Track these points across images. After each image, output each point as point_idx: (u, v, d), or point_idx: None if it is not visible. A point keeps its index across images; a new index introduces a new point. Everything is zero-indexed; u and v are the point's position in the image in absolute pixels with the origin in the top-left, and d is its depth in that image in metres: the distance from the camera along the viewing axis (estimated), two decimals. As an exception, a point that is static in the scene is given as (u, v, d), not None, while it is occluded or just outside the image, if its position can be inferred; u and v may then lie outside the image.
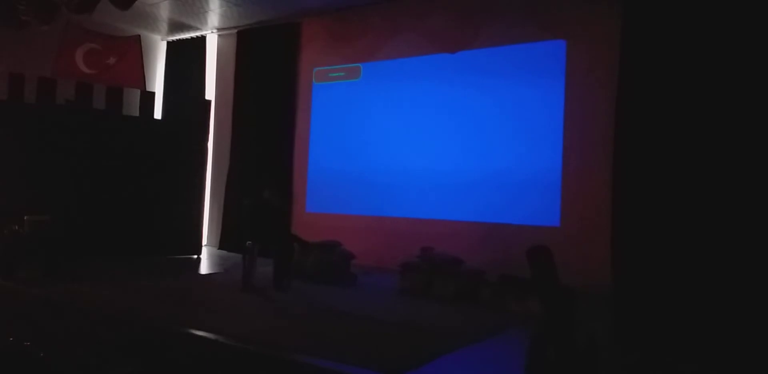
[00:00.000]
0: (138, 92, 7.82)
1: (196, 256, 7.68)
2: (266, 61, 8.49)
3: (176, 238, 7.51)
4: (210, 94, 9.22)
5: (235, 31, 8.90)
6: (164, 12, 8.50)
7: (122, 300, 4.76)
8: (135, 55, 8.07)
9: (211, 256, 8.08)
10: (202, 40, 9.29)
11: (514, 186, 6.47)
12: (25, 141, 6.69)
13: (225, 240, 8.70)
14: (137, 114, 7.63)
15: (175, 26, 9.15)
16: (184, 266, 7.09)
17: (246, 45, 8.77)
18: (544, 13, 6.38)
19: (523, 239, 5.74)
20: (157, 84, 9.75)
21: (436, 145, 7.06)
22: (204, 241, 8.44)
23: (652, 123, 5.39)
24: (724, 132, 5.04)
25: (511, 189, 6.49)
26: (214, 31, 9.18)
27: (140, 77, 8.07)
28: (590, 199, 5.95)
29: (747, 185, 4.93)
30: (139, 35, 8.42)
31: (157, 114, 8.31)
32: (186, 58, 9.43)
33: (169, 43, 9.77)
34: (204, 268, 7.08)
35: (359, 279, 6.07)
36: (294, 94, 8.38)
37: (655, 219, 5.31)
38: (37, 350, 3.30)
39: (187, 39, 9.48)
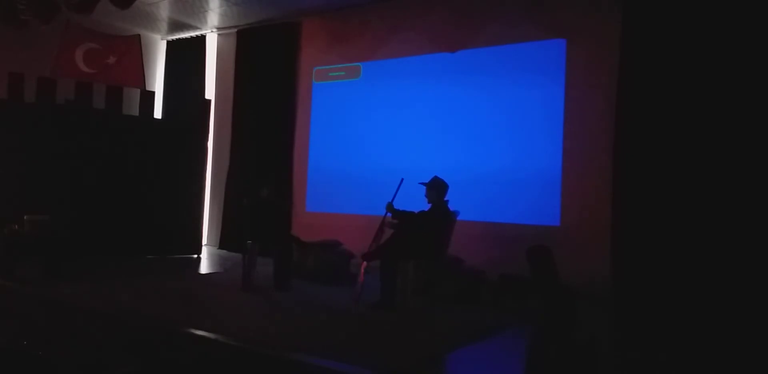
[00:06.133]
0: (138, 91, 7.82)
1: (196, 256, 7.68)
2: (266, 61, 8.49)
3: (176, 238, 7.51)
4: (210, 93, 9.21)
5: (235, 30, 8.89)
6: (164, 11, 8.49)
7: (122, 300, 4.76)
8: (135, 54, 8.07)
9: (211, 256, 8.08)
10: (202, 39, 9.28)
11: (514, 185, 6.47)
12: (24, 140, 6.69)
13: (225, 240, 8.70)
14: (137, 113, 7.63)
15: (175, 25, 9.15)
16: (184, 266, 7.09)
17: (246, 44, 8.77)
18: (544, 12, 6.37)
19: (522, 238, 5.77)
20: (157, 83, 9.75)
21: (436, 144, 7.06)
22: (204, 241, 8.44)
23: (652, 122, 5.39)
24: (724, 132, 5.04)
25: (510, 189, 6.49)
26: (214, 30, 9.18)
27: (140, 76, 8.07)
28: (590, 199, 5.95)
29: (747, 185, 4.93)
30: (139, 34, 8.42)
31: (157, 113, 8.31)
32: (186, 58, 9.43)
33: (168, 43, 9.77)
34: (204, 268, 7.08)
35: (359, 278, 6.06)
36: (294, 94, 8.37)
37: (655, 219, 5.31)
38: (37, 350, 3.30)
39: (186, 38, 9.48)
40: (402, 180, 5.12)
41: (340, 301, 5.05)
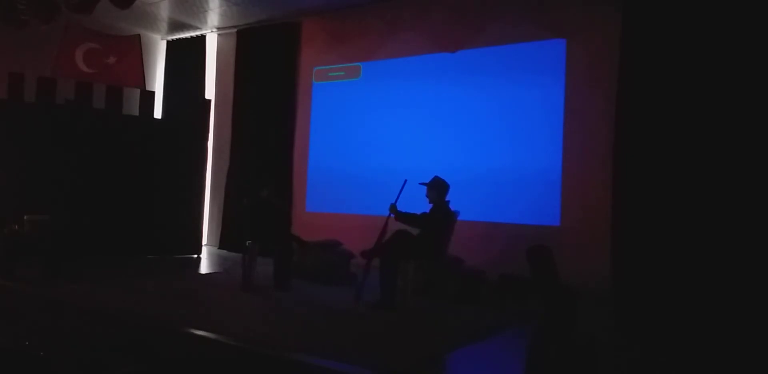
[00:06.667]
0: (138, 91, 7.81)
1: (196, 256, 7.68)
2: (266, 61, 8.49)
3: (176, 238, 7.51)
4: (210, 93, 9.22)
5: (235, 30, 8.90)
6: (164, 11, 8.50)
7: (122, 300, 4.76)
8: (135, 54, 8.07)
9: (211, 256, 8.08)
10: (202, 39, 9.29)
11: (514, 185, 6.47)
12: (24, 140, 6.69)
13: (225, 240, 8.70)
14: (137, 113, 7.63)
15: (175, 25, 9.15)
16: (184, 266, 7.09)
17: (246, 44, 8.77)
18: (544, 12, 6.38)
19: (522, 238, 5.76)
20: (157, 83, 9.75)
21: (436, 144, 7.06)
22: (204, 241, 8.44)
23: (652, 122, 5.39)
24: (724, 131, 5.04)
25: (510, 189, 6.50)
26: (214, 30, 9.18)
27: (140, 76, 8.07)
28: (590, 198, 5.95)
29: (747, 184, 4.93)
30: (139, 34, 8.41)
31: (157, 113, 8.31)
32: (186, 58, 9.43)
33: (168, 43, 9.77)
34: (204, 268, 7.08)
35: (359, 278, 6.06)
36: (294, 94, 8.38)
37: (655, 219, 5.30)
38: (37, 350, 3.30)
39: (186, 38, 9.48)
40: (405, 181, 5.12)
41: (340, 301, 5.05)
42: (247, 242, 5.57)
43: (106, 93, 7.33)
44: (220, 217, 8.81)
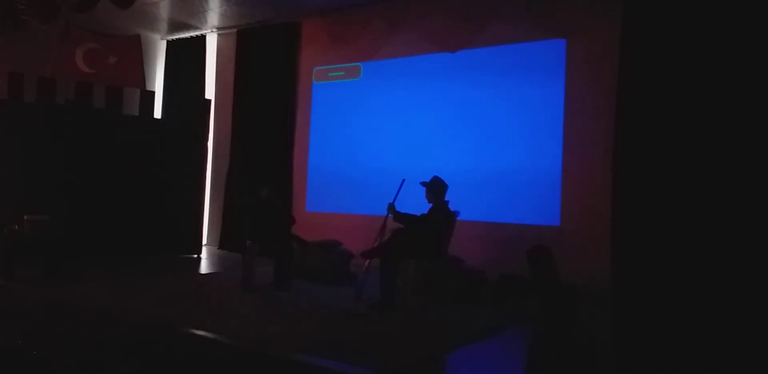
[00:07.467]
0: (138, 91, 7.82)
1: (196, 256, 7.68)
2: (266, 61, 8.49)
3: (176, 238, 7.51)
4: (210, 93, 9.21)
5: (235, 30, 8.89)
6: (164, 11, 8.49)
7: (122, 300, 4.76)
8: (135, 54, 8.08)
9: (211, 256, 8.08)
10: (202, 39, 9.28)
11: (514, 185, 6.47)
12: (24, 140, 6.69)
13: (225, 240, 8.70)
14: (137, 113, 7.63)
15: (175, 25, 9.15)
16: (184, 266, 7.09)
17: (246, 44, 8.77)
18: (544, 12, 6.37)
19: (523, 238, 5.77)
20: (157, 83, 9.75)
21: (436, 145, 7.06)
22: (204, 241, 8.44)
23: (653, 122, 5.39)
24: (724, 131, 5.04)
25: (511, 189, 6.49)
26: (214, 30, 9.18)
27: (140, 76, 8.07)
28: (590, 199, 5.95)
29: (747, 184, 4.93)
30: (139, 34, 8.41)
31: (157, 113, 8.31)
32: (186, 58, 9.42)
33: (168, 42, 9.76)
34: (204, 268, 7.08)
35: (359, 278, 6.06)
36: (294, 94, 8.37)
37: (655, 219, 5.30)
38: (37, 350, 3.31)
39: (186, 38, 9.47)
40: (403, 181, 5.12)
41: (340, 301, 5.05)
42: (247, 242, 5.57)
43: (106, 93, 7.34)
44: (220, 217, 8.80)
